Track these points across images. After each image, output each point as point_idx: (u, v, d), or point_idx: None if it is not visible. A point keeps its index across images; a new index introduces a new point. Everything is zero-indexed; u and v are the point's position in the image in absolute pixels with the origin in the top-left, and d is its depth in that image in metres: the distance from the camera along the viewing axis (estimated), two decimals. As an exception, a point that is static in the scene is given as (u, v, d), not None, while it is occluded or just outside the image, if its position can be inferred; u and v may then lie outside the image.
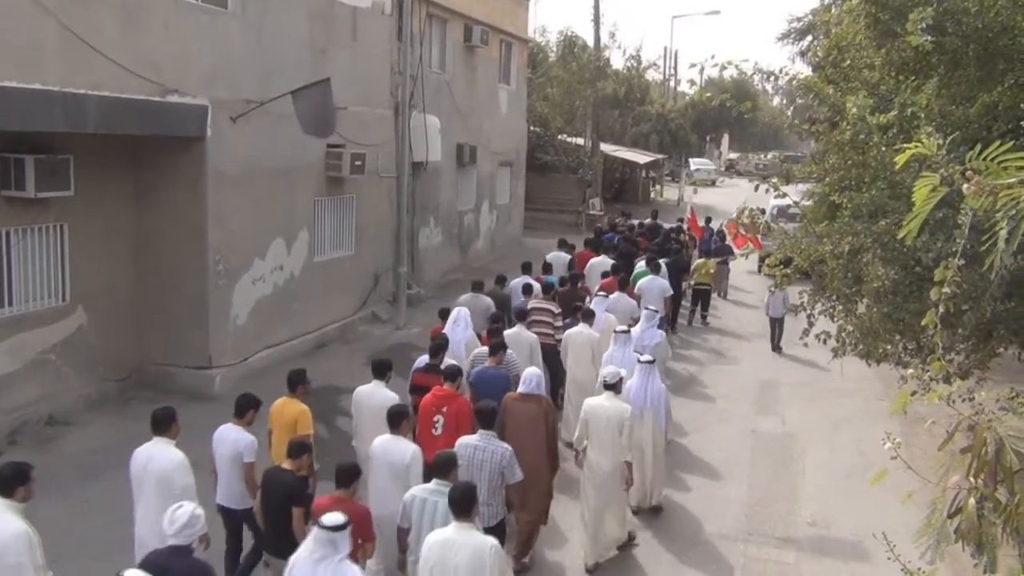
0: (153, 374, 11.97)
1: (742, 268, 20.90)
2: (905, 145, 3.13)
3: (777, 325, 15.92)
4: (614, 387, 8.12)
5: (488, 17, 21.78)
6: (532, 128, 29.52)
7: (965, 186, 2.72)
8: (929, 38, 6.81)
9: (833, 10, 14.20)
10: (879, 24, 7.87)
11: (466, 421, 7.65)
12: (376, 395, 7.97)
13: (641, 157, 39.81)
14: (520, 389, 8.02)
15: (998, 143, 2.78)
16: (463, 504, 5.48)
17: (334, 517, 5.10)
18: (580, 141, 34.22)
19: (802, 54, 28.83)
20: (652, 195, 43.39)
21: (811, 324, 8.60)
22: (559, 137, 32.62)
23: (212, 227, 11.79)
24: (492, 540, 5.53)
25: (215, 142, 11.66)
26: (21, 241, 10.20)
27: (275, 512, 6.36)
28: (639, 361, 9.18)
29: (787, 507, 9.68)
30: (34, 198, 9.81)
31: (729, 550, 8.71)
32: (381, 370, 8.24)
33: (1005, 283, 6.37)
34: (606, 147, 37.35)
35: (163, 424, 6.71)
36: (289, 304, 13.82)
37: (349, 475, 6.10)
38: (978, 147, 2.80)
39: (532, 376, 8.03)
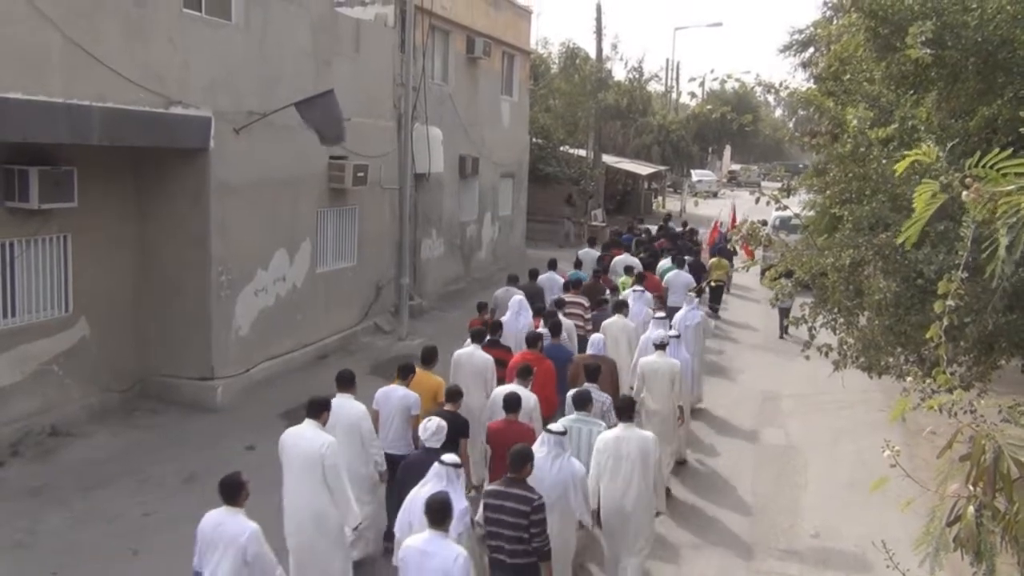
0: (155, 385, 11.97)
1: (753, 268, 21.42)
2: (905, 153, 3.14)
3: (784, 314, 16.40)
4: (663, 347, 10.02)
5: (490, 29, 21.86)
6: (534, 139, 29.54)
7: (964, 193, 2.73)
8: (929, 51, 6.84)
9: (835, 22, 14.25)
10: (878, 38, 7.91)
11: (551, 379, 9.34)
12: (475, 356, 9.65)
13: (643, 168, 39.85)
14: (588, 351, 9.97)
15: (997, 151, 2.80)
16: (627, 410, 7.49)
17: (558, 426, 7.06)
18: (582, 153, 34.26)
19: (804, 65, 28.93)
20: (654, 206, 43.46)
21: (812, 337, 8.60)
22: (561, 148, 32.66)
23: (215, 238, 11.82)
24: (652, 434, 7.52)
25: (218, 153, 11.70)
26: (24, 252, 10.24)
27: (447, 443, 7.26)
28: (670, 336, 10.75)
29: (790, 519, 9.66)
30: (37, 209, 9.84)
31: (732, 562, 8.70)
32: (479, 336, 9.91)
33: (1007, 296, 6.38)
34: (608, 158, 37.39)
35: (348, 382, 7.86)
36: (291, 315, 13.83)
37: (515, 401, 7.72)
38: (977, 154, 2.81)
39: (598, 340, 10.08)
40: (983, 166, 2.76)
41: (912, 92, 7.66)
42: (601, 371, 8.92)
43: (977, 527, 2.80)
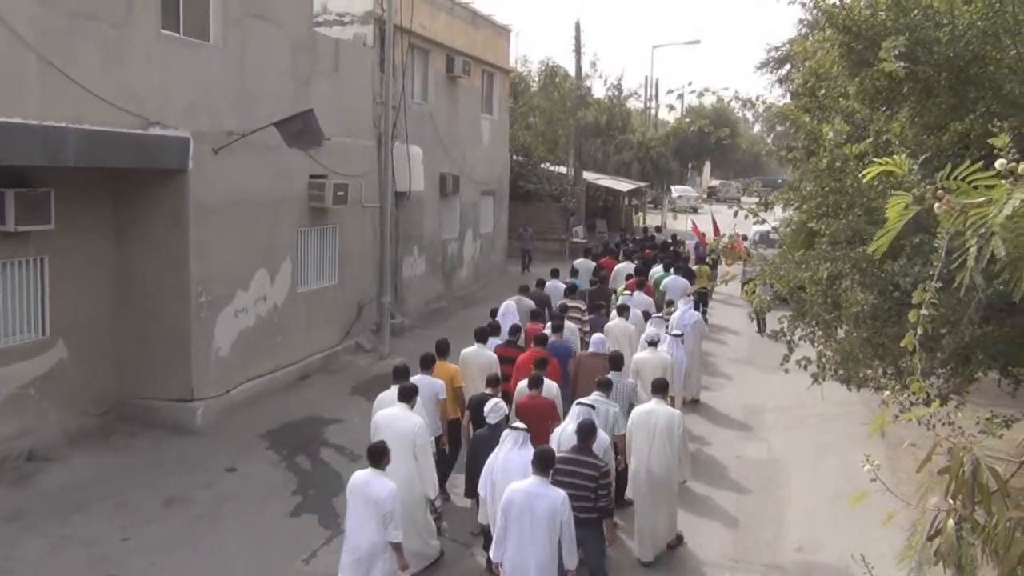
0: (134, 407, 11.84)
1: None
2: (876, 160, 3.17)
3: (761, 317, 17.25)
4: (654, 344, 11.31)
5: (470, 48, 21.94)
6: (515, 157, 29.60)
7: (936, 205, 2.76)
8: (902, 64, 6.91)
9: (810, 39, 14.40)
10: (852, 54, 7.99)
11: (555, 370, 10.27)
12: (482, 355, 10.72)
13: (624, 185, 40.03)
14: (590, 349, 11.13)
15: (968, 163, 2.83)
16: (661, 387, 8.88)
17: (589, 400, 8.50)
18: (563, 170, 34.39)
19: (780, 82, 29.22)
20: (635, 222, 43.61)
21: (791, 350, 8.63)
22: (542, 166, 32.75)
23: (194, 259, 11.75)
24: (678, 411, 8.99)
25: (197, 174, 11.65)
26: (0, 275, 10.13)
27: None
28: (671, 335, 12.31)
29: (773, 533, 9.66)
30: (14, 232, 9.75)
31: (716, 577, 8.68)
32: (483, 336, 11.01)
33: (982, 307, 6.43)
34: (589, 175, 37.54)
35: (404, 375, 8.95)
36: (272, 335, 13.75)
37: (539, 380, 9.14)
38: (949, 167, 2.84)
39: (599, 340, 11.24)
40: (954, 179, 2.79)
41: (885, 108, 7.73)
42: (623, 360, 10.39)
43: (957, 540, 2.81)
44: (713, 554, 9.11)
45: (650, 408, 8.68)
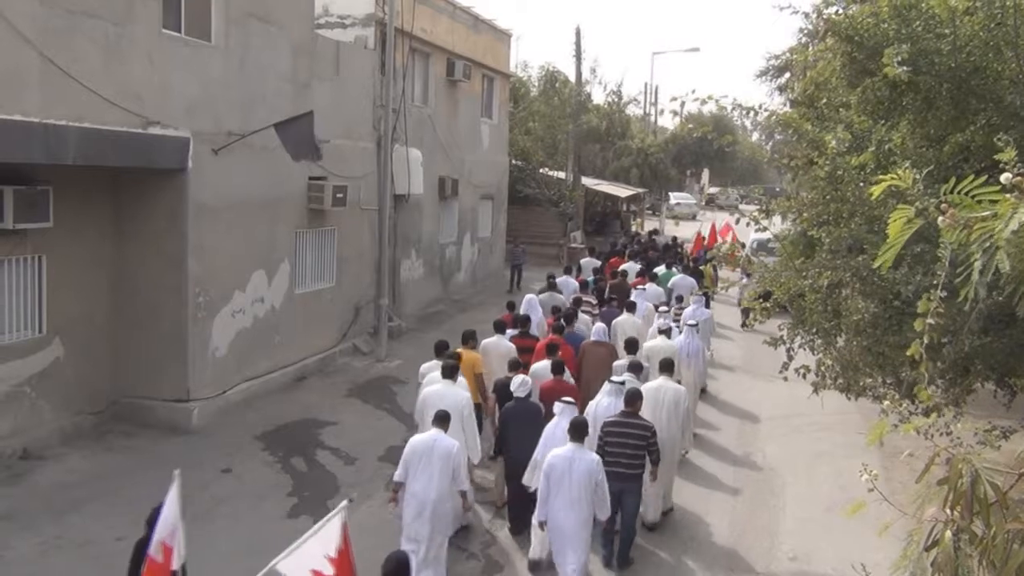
0: (130, 407, 11.82)
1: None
2: (881, 176, 3.17)
3: (746, 314, 17.48)
4: (666, 332, 12.54)
5: (470, 52, 21.96)
6: (514, 161, 29.59)
7: (940, 219, 2.76)
8: (906, 69, 6.90)
9: (810, 48, 14.42)
10: (854, 63, 7.99)
11: (570, 356, 11.36)
12: (500, 344, 11.63)
13: (622, 191, 40.01)
14: (592, 338, 12.08)
15: (972, 177, 2.83)
16: (667, 366, 10.05)
17: (619, 378, 9.49)
18: (562, 175, 34.39)
19: (780, 90, 29.26)
20: (633, 228, 43.61)
21: (791, 358, 8.62)
22: (541, 170, 32.74)
23: (192, 259, 11.73)
24: (683, 388, 10.17)
25: (196, 174, 11.64)
26: (-2, 272, 10.11)
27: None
28: (687, 325, 13.24)
29: (768, 542, 9.65)
30: (12, 229, 9.73)
31: (710, 585, 8.66)
32: (502, 327, 12.06)
33: (982, 318, 6.42)
34: (587, 181, 37.50)
35: (443, 350, 10.08)
36: (269, 336, 13.73)
37: (560, 366, 10.11)
38: (952, 180, 2.84)
39: (600, 329, 12.28)
40: (958, 192, 2.78)
41: (885, 120, 7.73)
42: (640, 346, 11.79)
43: (955, 551, 2.80)
44: (708, 562, 9.10)
45: (659, 384, 9.76)
